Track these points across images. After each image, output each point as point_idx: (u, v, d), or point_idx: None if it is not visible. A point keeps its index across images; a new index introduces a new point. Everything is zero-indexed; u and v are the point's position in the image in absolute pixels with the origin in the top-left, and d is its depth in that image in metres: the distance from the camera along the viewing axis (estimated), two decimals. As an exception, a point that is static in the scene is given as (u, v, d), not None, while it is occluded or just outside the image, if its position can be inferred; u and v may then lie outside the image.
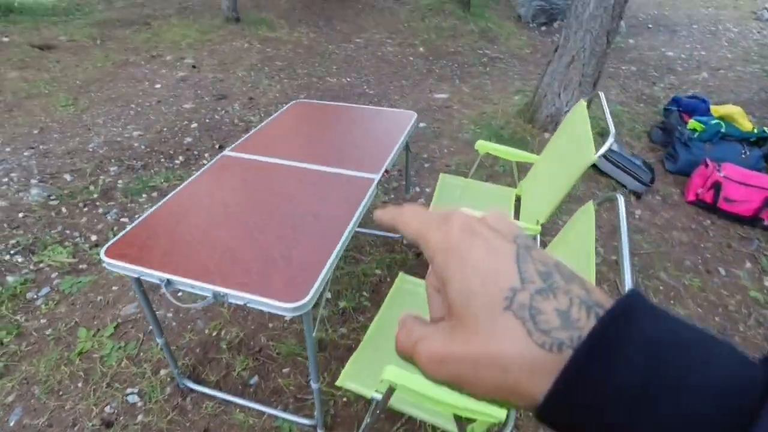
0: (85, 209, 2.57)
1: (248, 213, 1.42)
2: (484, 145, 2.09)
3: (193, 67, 4.52)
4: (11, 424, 1.57)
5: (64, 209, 2.55)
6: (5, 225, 2.41)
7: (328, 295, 2.09)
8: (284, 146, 1.85)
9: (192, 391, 1.68)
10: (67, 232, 2.40)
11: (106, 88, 3.98)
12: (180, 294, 1.96)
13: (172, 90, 4.03)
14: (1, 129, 3.30)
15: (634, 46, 6.44)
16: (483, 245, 0.23)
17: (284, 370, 1.77)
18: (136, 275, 1.21)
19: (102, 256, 1.22)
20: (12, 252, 2.24)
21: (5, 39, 4.90)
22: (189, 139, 3.33)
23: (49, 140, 3.18)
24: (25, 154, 3.00)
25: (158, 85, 4.10)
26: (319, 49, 5.31)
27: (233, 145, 1.82)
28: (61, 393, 1.67)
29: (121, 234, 1.30)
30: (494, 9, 8.12)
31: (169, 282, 1.16)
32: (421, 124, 3.73)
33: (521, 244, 0.24)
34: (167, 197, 1.47)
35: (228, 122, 3.58)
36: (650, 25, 7.62)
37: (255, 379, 1.74)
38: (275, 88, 4.23)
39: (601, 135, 3.58)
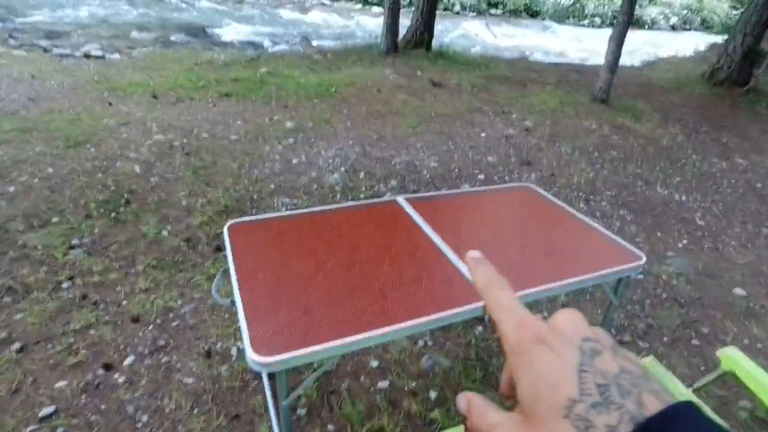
0: (336, 199, 3.13)
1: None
2: None
3: (527, 130, 4.66)
4: (188, 309, 2.14)
5: (338, 196, 3.19)
6: (301, 193, 3.22)
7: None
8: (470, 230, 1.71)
9: None
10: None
11: (445, 124, 4.64)
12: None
13: (491, 142, 4.30)
14: (361, 129, 4.37)
15: None
16: (550, 355, 0.26)
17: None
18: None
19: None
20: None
21: (419, 73, 6.40)
22: (467, 186, 3.50)
23: (376, 146, 4.01)
24: (356, 149, 3.90)
25: (483, 134, 4.46)
26: (674, 155, 4.47)
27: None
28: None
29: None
30: None
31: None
32: (738, 290, 2.64)
33: (587, 351, 0.26)
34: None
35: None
36: None
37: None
38: (586, 175, 3.86)
39: None
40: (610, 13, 15.93)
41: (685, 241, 3.12)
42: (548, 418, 0.24)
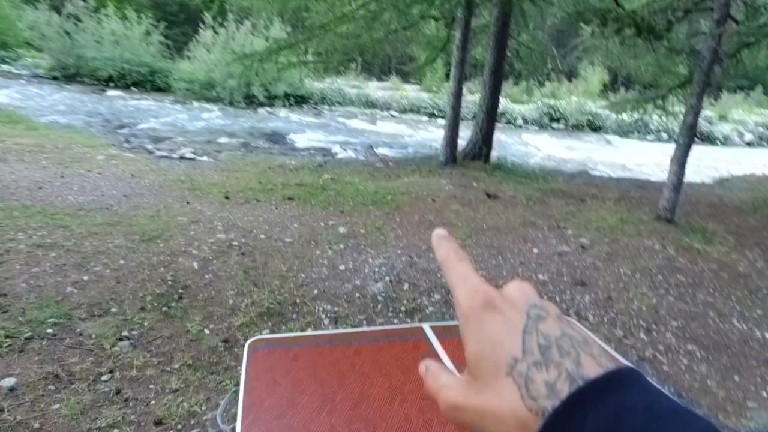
0: (385, 316, 3.10)
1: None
2: None
3: (582, 247, 4.50)
4: (211, 416, 2.12)
5: (379, 306, 3.18)
6: (343, 301, 3.26)
7: None
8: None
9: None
10: (364, 322, 2.97)
11: (496, 237, 4.61)
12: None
13: (543, 259, 4.18)
14: (411, 238, 4.45)
15: None
16: (498, 318, 0.28)
17: None
18: None
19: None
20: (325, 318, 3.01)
21: (474, 184, 6.57)
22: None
23: (424, 257, 4.03)
24: (403, 259, 3.94)
25: (535, 250, 4.35)
26: (753, 284, 4.06)
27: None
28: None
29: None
30: None
31: None
32: None
33: (532, 315, 0.28)
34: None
35: (562, 309, 3.35)
36: None
37: None
38: (648, 301, 3.58)
39: None
40: (677, 129, 15.84)
41: (771, 390, 2.70)
42: (492, 375, 0.26)
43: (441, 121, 17.56)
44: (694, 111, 5.00)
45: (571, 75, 24.61)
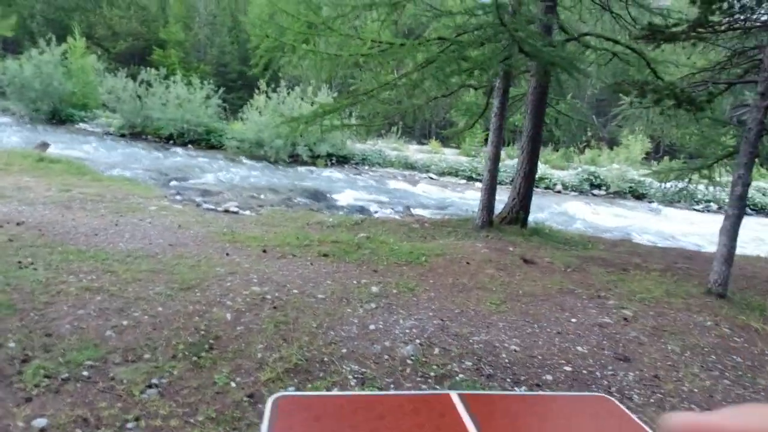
0: (413, 380, 2.99)
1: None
2: None
3: (625, 319, 4.26)
4: None
5: (408, 370, 3.09)
6: (371, 362, 3.19)
7: None
8: None
9: None
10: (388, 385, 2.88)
11: (532, 304, 4.45)
12: None
13: (582, 330, 3.97)
14: (443, 301, 4.38)
15: None
16: None
17: None
18: None
19: None
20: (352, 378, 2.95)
21: (510, 249, 6.47)
22: (549, 377, 3.18)
23: (456, 321, 3.93)
24: (434, 322, 3.86)
25: (574, 320, 4.16)
26: (824, 371, 3.67)
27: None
28: None
29: None
30: None
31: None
32: None
33: None
34: None
35: (603, 385, 3.14)
36: None
37: None
38: (701, 383, 3.29)
39: None
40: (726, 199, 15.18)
41: None
42: None
43: (478, 185, 17.68)
44: (743, 182, 4.83)
45: (612, 142, 24.51)
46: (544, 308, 4.39)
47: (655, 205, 17.26)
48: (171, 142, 18.70)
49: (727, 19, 4.98)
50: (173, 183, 11.23)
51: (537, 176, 9.15)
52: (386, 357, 3.23)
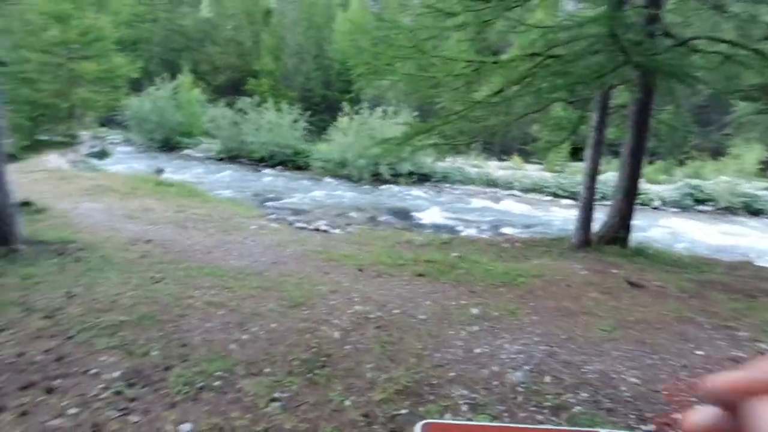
0: (527, 410, 2.88)
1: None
2: None
3: (761, 353, 3.77)
4: None
5: (519, 398, 2.98)
6: (480, 387, 3.12)
7: None
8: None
9: None
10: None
11: (647, 332, 4.11)
12: None
13: (712, 364, 3.58)
14: (548, 325, 4.18)
15: None
16: None
17: None
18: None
19: None
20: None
21: (614, 270, 6.05)
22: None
23: (564, 347, 3.74)
24: (541, 348, 3.69)
25: (700, 353, 3.76)
26: None
27: None
28: None
29: None
30: None
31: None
32: None
33: None
34: None
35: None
36: None
37: None
38: None
39: None
40: None
41: None
42: None
43: (565, 202, 16.85)
44: None
45: (716, 153, 22.19)
46: (662, 338, 4.03)
47: (776, 221, 15.26)
48: (262, 163, 20.08)
49: None
50: (268, 203, 12.01)
51: (637, 192, 8.51)
52: (495, 383, 3.15)
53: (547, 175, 20.03)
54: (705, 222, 14.81)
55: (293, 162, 20.19)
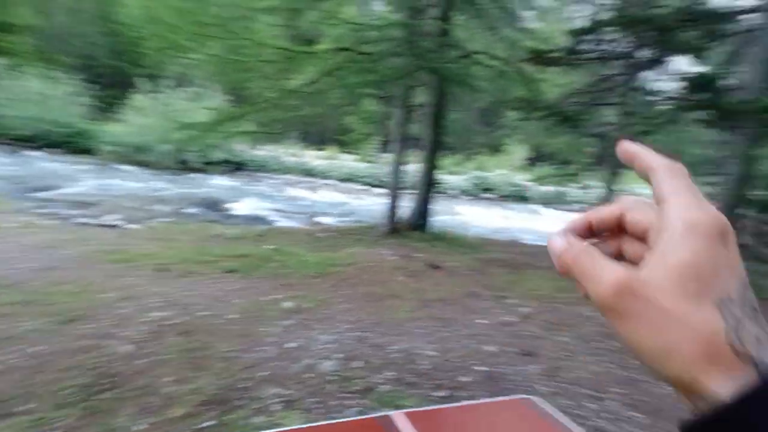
0: (338, 398, 2.95)
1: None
2: None
3: (525, 316, 4.66)
4: None
5: (330, 387, 3.03)
6: (293, 383, 3.07)
7: None
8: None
9: None
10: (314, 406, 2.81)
11: (442, 309, 4.67)
12: None
13: (489, 330, 4.26)
14: (359, 312, 4.38)
15: None
16: (728, 254, 0.27)
17: None
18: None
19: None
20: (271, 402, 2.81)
21: (416, 255, 6.71)
22: (465, 379, 3.34)
23: (373, 332, 3.96)
24: (351, 334, 3.84)
25: (481, 321, 4.44)
26: (678, 347, 4.38)
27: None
28: None
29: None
30: None
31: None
32: None
33: (746, 277, 0.28)
34: None
35: (513, 381, 3.38)
36: None
37: None
38: (590, 368, 3.72)
39: None
40: (592, 201, 17.44)
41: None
42: (695, 294, 0.26)
43: (378, 191, 18.10)
44: (608, 186, 5.60)
45: (496, 150, 26.71)
46: (455, 312, 4.62)
47: (535, 206, 19.22)
48: (30, 144, 16.18)
49: (592, 48, 5.73)
50: (37, 194, 9.72)
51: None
52: (308, 375, 3.14)
53: (362, 165, 21.18)
54: (489, 208, 17.72)
55: (73, 144, 16.82)
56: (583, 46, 5.70)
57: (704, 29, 5.11)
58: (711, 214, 0.28)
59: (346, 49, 5.71)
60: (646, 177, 0.31)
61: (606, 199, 5.68)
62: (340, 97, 6.56)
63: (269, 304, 4.24)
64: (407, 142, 8.16)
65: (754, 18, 5.89)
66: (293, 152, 21.92)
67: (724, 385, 0.24)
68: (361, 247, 6.90)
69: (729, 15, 5.94)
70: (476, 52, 8.54)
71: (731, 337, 0.25)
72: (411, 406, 2.91)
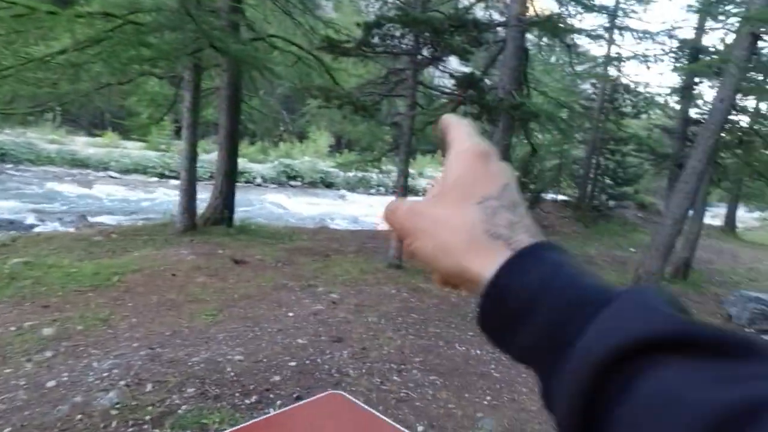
0: (130, 430, 2.47)
1: None
2: None
3: (333, 303, 4.74)
4: None
5: (114, 423, 2.50)
6: (59, 424, 2.44)
7: None
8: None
9: None
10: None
11: (250, 307, 4.39)
12: None
13: (300, 322, 4.19)
14: (150, 324, 3.78)
15: None
16: (488, 166, 0.33)
17: None
18: None
19: None
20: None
21: (220, 251, 6.19)
22: (277, 378, 3.19)
23: (169, 345, 3.46)
24: (142, 353, 3.27)
25: (291, 314, 4.34)
26: (463, 309, 5.08)
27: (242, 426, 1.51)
28: None
29: None
30: (695, 301, 6.90)
31: None
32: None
33: (513, 185, 0.33)
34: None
35: (325, 370, 3.38)
36: None
37: None
38: (395, 343, 3.99)
39: None
40: (390, 185, 19.03)
41: (489, 398, 3.33)
42: (462, 199, 0.31)
43: (174, 182, 16.25)
44: (404, 174, 6.09)
45: (301, 136, 26.79)
46: (263, 308, 4.40)
47: (341, 192, 20.00)
48: None
49: (382, 42, 6.08)
50: None
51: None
52: (79, 417, 2.53)
53: (152, 153, 18.63)
54: (296, 195, 17.64)
55: None
56: (375, 40, 5.99)
57: (468, 35, 5.93)
58: (474, 143, 0.34)
59: (112, 15, 4.75)
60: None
61: (401, 183, 6.18)
62: (109, 73, 5.47)
63: (17, 335, 3.29)
64: (203, 128, 7.40)
65: (503, 31, 7.13)
66: (54, 138, 17.86)
67: (486, 267, 0.28)
68: (151, 249, 6.01)
69: (487, 25, 7.05)
70: (273, 36, 8.24)
71: (486, 225, 0.30)
72: (216, 423, 2.62)
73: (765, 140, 8.41)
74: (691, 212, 6.77)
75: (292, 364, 3.41)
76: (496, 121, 6.74)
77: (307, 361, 3.47)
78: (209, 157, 17.41)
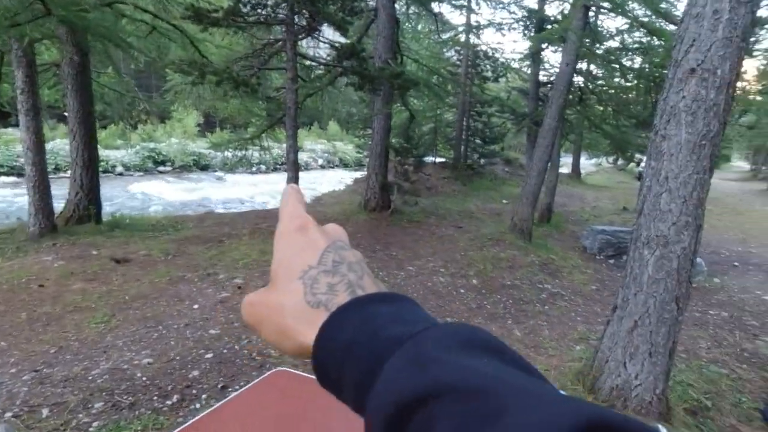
0: (34, 463, 2.20)
1: None
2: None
3: (239, 288, 4.59)
4: None
5: (12, 460, 2.20)
6: (-63, 477, 2.07)
7: None
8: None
9: None
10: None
11: (147, 306, 4.05)
12: None
13: (207, 312, 3.99)
14: (26, 345, 3.29)
15: (721, 286, 5.72)
16: (306, 238, 0.34)
17: None
18: None
19: None
20: None
21: (94, 252, 5.50)
22: (196, 373, 3.05)
23: (58, 363, 3.07)
24: (24, 377, 2.86)
25: (196, 306, 4.11)
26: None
27: (200, 416, 1.44)
28: None
29: None
30: (558, 239, 8.05)
31: None
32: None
33: (337, 245, 0.34)
34: None
35: (245, 355, 3.31)
36: (736, 263, 6.94)
37: None
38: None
39: (693, 413, 2.77)
40: (272, 162, 18.33)
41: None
42: (287, 279, 0.32)
43: (5, 179, 13.77)
44: (294, 149, 5.97)
45: (163, 116, 24.29)
46: (162, 305, 4.09)
47: (219, 173, 18.76)
48: None
49: (254, 11, 5.75)
50: None
51: (98, 162, 7.95)
52: (-38, 464, 2.17)
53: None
54: (168, 182, 16.11)
55: None
56: (246, 9, 5.64)
57: (343, 3, 5.89)
58: (292, 218, 0.35)
59: None
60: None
61: (292, 158, 6.04)
62: None
63: None
64: (45, 112, 6.33)
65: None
66: None
67: (309, 337, 0.29)
68: (0, 261, 5.12)
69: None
70: (119, 2, 7.25)
71: (308, 297, 0.31)
72: (139, 431, 2.46)
73: (598, 97, 9.91)
74: (548, 164, 7.77)
75: (209, 356, 3.28)
76: (377, 91, 6.88)
77: (225, 350, 3.37)
78: (55, 144, 14.95)
